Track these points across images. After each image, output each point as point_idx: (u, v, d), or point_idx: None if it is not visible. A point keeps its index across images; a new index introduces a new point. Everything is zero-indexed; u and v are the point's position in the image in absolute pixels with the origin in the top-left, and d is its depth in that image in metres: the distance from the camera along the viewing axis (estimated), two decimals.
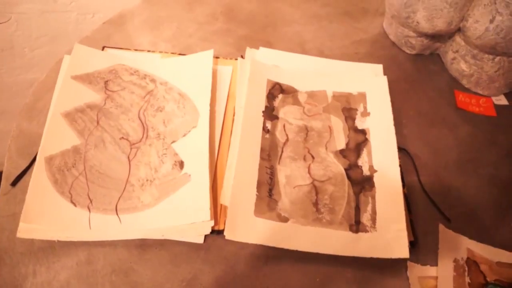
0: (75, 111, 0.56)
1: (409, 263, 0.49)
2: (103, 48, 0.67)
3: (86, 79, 0.60)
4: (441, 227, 0.53)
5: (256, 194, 0.51)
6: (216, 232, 0.49)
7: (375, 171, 0.56)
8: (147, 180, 0.52)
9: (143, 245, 0.48)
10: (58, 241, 0.47)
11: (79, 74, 0.60)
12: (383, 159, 0.57)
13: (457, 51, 0.70)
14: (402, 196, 0.54)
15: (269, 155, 0.55)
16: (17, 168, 0.53)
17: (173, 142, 0.56)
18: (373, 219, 0.52)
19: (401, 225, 0.51)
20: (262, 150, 0.55)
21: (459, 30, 0.68)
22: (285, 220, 0.50)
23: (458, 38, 0.69)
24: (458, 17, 0.64)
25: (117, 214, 0.49)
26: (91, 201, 0.50)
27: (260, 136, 0.56)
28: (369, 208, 0.53)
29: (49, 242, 0.47)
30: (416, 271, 0.49)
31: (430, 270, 0.49)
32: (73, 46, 0.62)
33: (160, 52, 0.68)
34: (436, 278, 0.49)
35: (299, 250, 0.48)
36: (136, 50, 0.68)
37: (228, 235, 0.47)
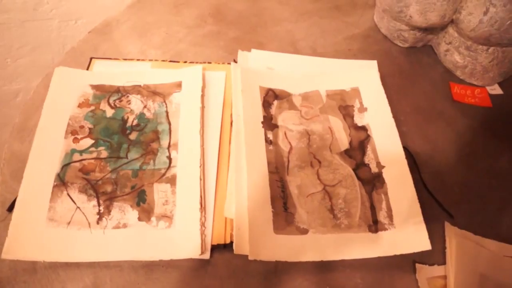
0: None
1: (417, 265, 0.49)
2: (90, 60, 0.65)
3: None
4: (447, 225, 0.53)
5: (272, 211, 0.50)
6: (223, 246, 0.49)
7: (383, 166, 0.56)
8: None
9: (149, 265, 0.47)
10: (61, 265, 0.46)
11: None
12: (389, 153, 0.57)
13: (450, 43, 0.70)
14: (413, 188, 0.54)
15: (277, 167, 0.54)
16: (12, 193, 0.51)
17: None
18: (390, 216, 0.52)
19: (418, 217, 0.51)
20: (269, 163, 0.54)
21: (452, 21, 0.67)
22: (305, 232, 0.50)
23: (451, 30, 0.69)
24: (451, 10, 0.64)
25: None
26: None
27: (264, 148, 0.55)
28: (384, 205, 0.53)
29: (52, 268, 0.46)
30: (424, 272, 0.49)
31: (438, 270, 0.50)
32: (56, 55, 0.60)
33: (150, 60, 0.66)
34: (444, 277, 0.49)
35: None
36: (125, 59, 0.66)
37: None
